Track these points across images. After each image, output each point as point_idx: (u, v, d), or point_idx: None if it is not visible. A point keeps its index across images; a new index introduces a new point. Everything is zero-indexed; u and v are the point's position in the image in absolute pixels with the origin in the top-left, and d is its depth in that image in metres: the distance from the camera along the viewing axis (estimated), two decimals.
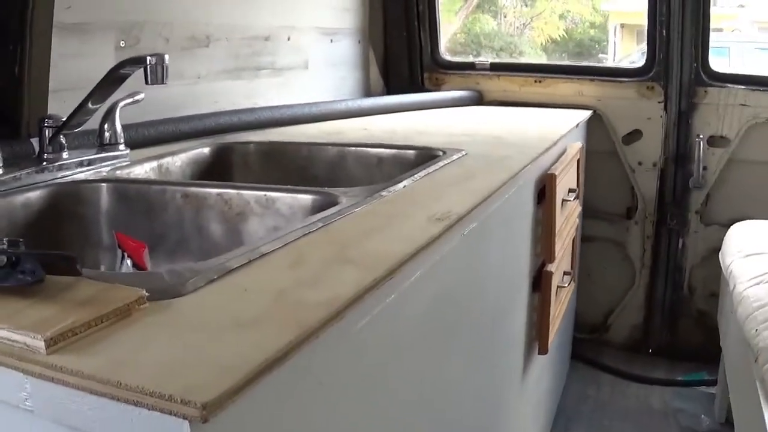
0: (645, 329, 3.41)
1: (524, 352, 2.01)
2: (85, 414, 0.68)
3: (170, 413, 0.63)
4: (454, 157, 1.78)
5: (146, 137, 1.84)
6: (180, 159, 1.81)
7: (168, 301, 0.83)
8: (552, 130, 2.35)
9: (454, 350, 1.43)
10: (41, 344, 0.69)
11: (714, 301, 3.04)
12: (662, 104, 3.07)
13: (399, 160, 1.89)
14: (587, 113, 3.02)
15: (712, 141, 3.07)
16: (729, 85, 3.01)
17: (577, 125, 2.67)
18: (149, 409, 0.63)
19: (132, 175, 1.62)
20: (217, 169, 1.91)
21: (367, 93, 3.24)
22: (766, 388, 1.77)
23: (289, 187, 1.43)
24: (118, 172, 1.58)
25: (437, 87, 3.40)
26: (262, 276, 0.93)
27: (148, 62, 1.35)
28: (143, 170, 1.67)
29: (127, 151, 1.66)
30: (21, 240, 0.83)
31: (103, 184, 1.49)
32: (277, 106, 2.31)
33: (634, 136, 3.18)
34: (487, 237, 1.57)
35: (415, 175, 1.54)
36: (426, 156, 1.83)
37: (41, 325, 0.71)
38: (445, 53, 3.49)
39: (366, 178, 1.85)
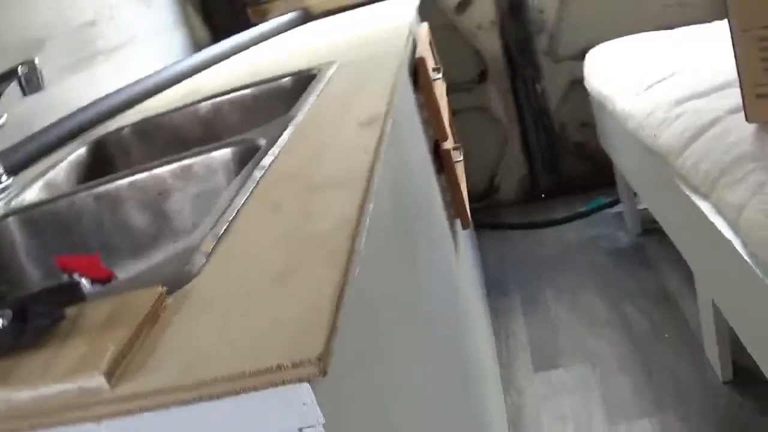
0: (531, 179, 3.49)
1: (450, 231, 2.01)
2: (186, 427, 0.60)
3: (289, 382, 0.57)
4: (332, 70, 1.72)
5: (19, 160, 1.70)
6: (62, 169, 1.68)
7: (183, 289, 0.75)
8: (399, 22, 2.31)
9: (418, 243, 1.41)
10: (102, 380, 0.60)
11: (588, 130, 3.13)
12: None
13: (278, 92, 1.81)
14: None
15: None
16: None
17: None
18: (260, 390, 0.57)
19: (28, 201, 1.49)
20: (100, 163, 1.78)
21: (198, 48, 3.09)
22: (689, 181, 1.82)
23: (201, 149, 1.34)
24: (13, 203, 1.45)
25: (265, 18, 3.29)
26: (255, 230, 0.86)
27: (19, 72, 1.21)
28: (35, 192, 1.53)
29: (11, 179, 1.52)
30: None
31: (7, 219, 1.35)
32: (111, 94, 2.14)
33: (466, 3, 3.18)
34: (401, 132, 1.54)
35: (311, 96, 1.47)
36: (304, 78, 1.75)
37: (86, 362, 0.61)
38: None
39: (255, 120, 1.76)
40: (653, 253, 2.78)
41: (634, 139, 2.17)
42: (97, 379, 0.60)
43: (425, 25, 2.44)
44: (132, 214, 1.34)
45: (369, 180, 0.92)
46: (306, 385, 0.57)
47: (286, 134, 1.22)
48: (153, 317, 0.69)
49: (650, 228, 2.87)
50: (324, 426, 0.59)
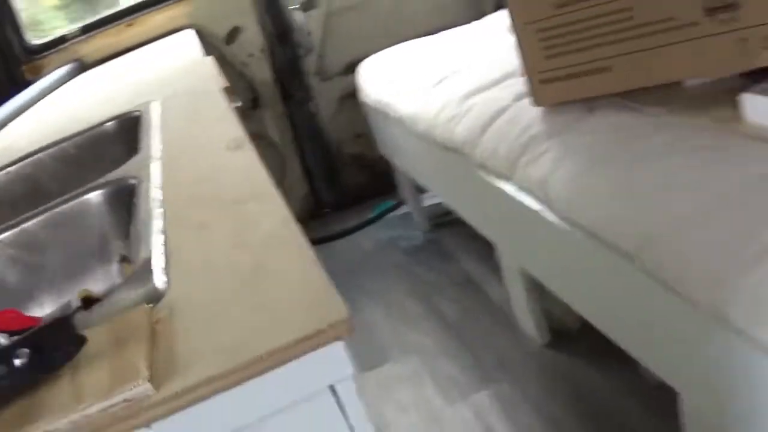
0: (314, 196, 3.59)
1: None
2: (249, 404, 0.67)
3: (326, 343, 0.67)
4: (156, 107, 1.73)
5: None
6: None
7: (161, 304, 0.78)
8: (194, 55, 2.34)
9: None
10: (149, 386, 0.63)
11: (363, 140, 3.28)
12: None
13: (103, 138, 1.78)
14: (189, 32, 3.02)
15: (307, 6, 3.20)
16: None
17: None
18: (298, 357, 0.66)
19: None
20: None
21: None
22: (489, 167, 1.98)
23: (70, 194, 1.30)
24: None
25: (40, 75, 3.16)
26: (196, 245, 0.91)
27: None
28: None
29: None
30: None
31: None
32: None
33: (235, 33, 3.23)
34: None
35: (152, 132, 1.48)
36: (128, 120, 1.75)
37: (124, 376, 0.64)
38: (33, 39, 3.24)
39: (84, 168, 1.72)
40: (447, 244, 2.95)
41: (426, 139, 2.30)
42: (143, 386, 0.63)
43: (211, 57, 2.47)
44: (7, 275, 1.28)
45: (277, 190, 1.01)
46: (341, 343, 0.68)
47: (155, 169, 1.23)
48: (152, 332, 0.72)
49: (439, 223, 3.06)
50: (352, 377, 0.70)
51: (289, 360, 0.66)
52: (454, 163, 2.20)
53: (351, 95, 3.13)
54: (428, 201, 3.11)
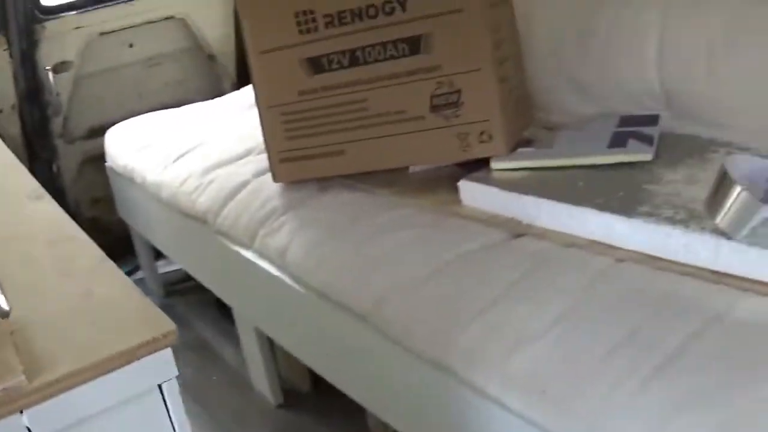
0: None
1: None
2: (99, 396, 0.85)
3: (160, 349, 0.87)
4: None
5: None
6: None
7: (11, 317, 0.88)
8: None
9: None
10: (23, 378, 0.78)
11: (101, 204, 3.23)
12: (7, 51, 3.01)
13: None
14: None
15: (59, 68, 3.12)
16: (62, 14, 3.08)
17: None
18: (144, 356, 0.86)
19: None
20: None
21: None
22: (230, 236, 2.04)
23: None
24: None
25: None
26: (25, 276, 1.03)
27: None
28: None
29: None
30: None
31: None
32: None
33: None
34: None
35: None
36: None
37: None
38: None
39: None
40: (183, 311, 2.95)
41: (170, 206, 2.33)
42: (18, 379, 0.78)
43: None
44: None
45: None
46: (169, 350, 0.88)
47: None
48: (12, 338, 0.85)
49: (174, 290, 3.05)
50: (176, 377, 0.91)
51: (131, 361, 0.85)
52: (195, 231, 2.25)
53: (92, 159, 3.06)
54: (164, 268, 3.10)
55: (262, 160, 2.11)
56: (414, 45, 1.62)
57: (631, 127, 1.74)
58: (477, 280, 1.45)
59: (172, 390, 0.91)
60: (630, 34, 1.81)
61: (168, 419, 0.92)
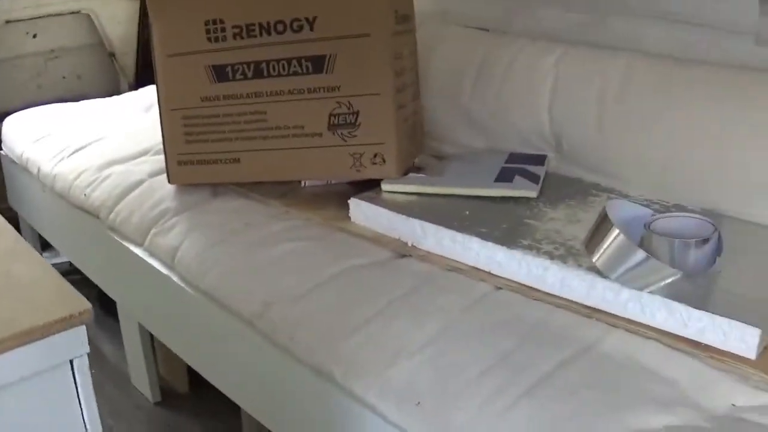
0: None
1: None
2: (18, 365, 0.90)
3: (75, 326, 0.91)
4: None
5: None
6: None
7: None
8: None
9: None
10: None
11: None
12: None
13: None
14: None
15: None
16: None
17: None
18: (60, 331, 0.91)
19: None
20: None
21: None
22: (121, 232, 1.96)
23: None
24: None
25: None
26: None
27: None
28: None
29: None
30: None
31: None
32: None
33: None
34: None
35: None
36: None
37: None
38: None
39: None
40: None
41: (62, 198, 2.23)
42: None
43: None
44: None
45: None
46: (84, 327, 0.93)
47: None
48: None
49: None
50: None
51: (48, 335, 0.89)
52: (87, 225, 2.18)
53: None
54: (51, 260, 2.94)
55: (158, 161, 2.07)
56: (318, 64, 1.60)
57: (519, 164, 1.78)
58: (361, 294, 1.46)
59: (82, 366, 0.95)
60: (525, 78, 1.86)
61: (76, 394, 0.96)
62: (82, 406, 0.97)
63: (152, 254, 1.86)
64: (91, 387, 0.97)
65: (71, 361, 0.94)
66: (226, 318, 1.58)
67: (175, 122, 1.84)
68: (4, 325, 0.87)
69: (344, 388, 1.32)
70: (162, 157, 1.93)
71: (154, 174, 2.06)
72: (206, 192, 1.92)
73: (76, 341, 0.93)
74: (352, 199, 1.67)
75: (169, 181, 1.93)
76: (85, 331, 0.93)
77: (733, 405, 1.18)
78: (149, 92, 2.70)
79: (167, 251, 1.78)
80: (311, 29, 1.58)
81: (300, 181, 1.83)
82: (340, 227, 1.66)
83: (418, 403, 1.22)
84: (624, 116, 1.73)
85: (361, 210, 1.65)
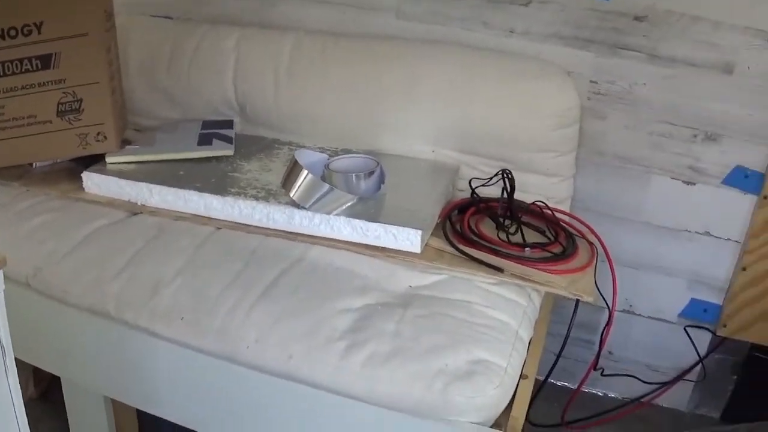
0: None
1: None
2: None
3: None
4: None
5: None
6: None
7: None
8: None
9: None
10: None
11: None
12: None
13: None
14: None
15: None
16: None
17: None
18: None
19: None
20: None
21: None
22: None
23: None
24: None
25: None
26: None
27: None
28: None
29: None
30: None
31: None
32: None
33: None
34: None
35: None
36: None
37: None
38: None
39: None
40: None
41: None
42: None
43: None
44: None
45: None
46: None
47: None
48: None
49: None
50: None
51: None
52: None
53: None
54: None
55: None
56: (46, 61, 1.95)
57: (213, 129, 2.28)
58: (113, 246, 1.88)
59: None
60: (211, 57, 2.34)
61: None
62: None
63: None
64: (6, 322, 1.30)
65: None
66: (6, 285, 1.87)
67: None
68: None
69: (118, 320, 1.74)
70: None
71: None
72: None
73: None
74: (84, 172, 2.05)
75: None
76: (2, 274, 1.24)
77: (410, 286, 1.82)
78: None
79: None
80: (39, 32, 1.89)
81: (31, 164, 2.17)
82: (76, 198, 2.04)
83: (182, 318, 1.70)
84: (295, 82, 2.27)
85: (93, 181, 2.05)
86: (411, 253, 1.86)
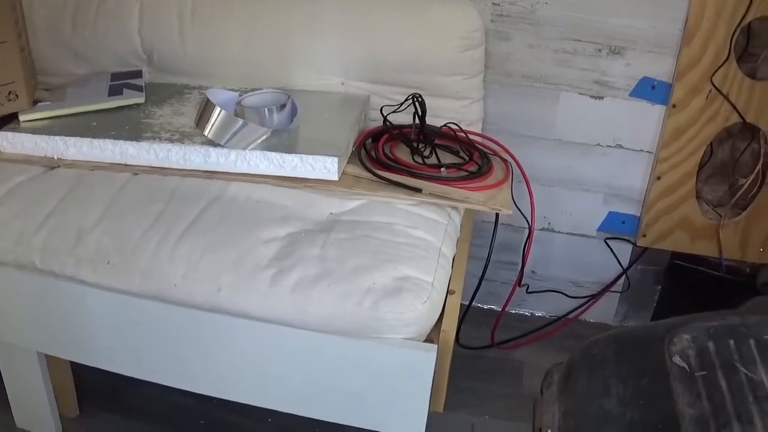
0: None
1: None
2: None
3: None
4: None
5: None
6: None
7: None
8: None
9: None
10: None
11: None
12: None
13: None
14: None
15: None
16: None
17: None
18: None
19: None
20: None
21: None
22: None
23: None
24: None
25: None
26: None
27: None
28: None
29: None
30: None
31: None
32: None
33: None
34: None
35: None
36: None
37: None
38: None
39: None
40: None
41: None
42: None
43: None
44: None
45: None
46: None
47: None
48: None
49: None
50: None
51: None
52: None
53: None
54: None
55: None
56: None
57: (122, 80, 2.33)
58: (34, 200, 1.92)
59: None
60: (114, 10, 2.38)
61: None
62: None
63: None
64: None
65: None
66: None
67: None
68: None
69: (45, 271, 1.80)
70: None
71: None
72: None
73: None
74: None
75: None
76: None
77: (331, 213, 1.92)
78: None
79: None
80: None
81: None
82: None
83: (108, 262, 1.76)
84: (200, 27, 2.31)
85: (8, 140, 2.07)
86: (329, 180, 1.95)
